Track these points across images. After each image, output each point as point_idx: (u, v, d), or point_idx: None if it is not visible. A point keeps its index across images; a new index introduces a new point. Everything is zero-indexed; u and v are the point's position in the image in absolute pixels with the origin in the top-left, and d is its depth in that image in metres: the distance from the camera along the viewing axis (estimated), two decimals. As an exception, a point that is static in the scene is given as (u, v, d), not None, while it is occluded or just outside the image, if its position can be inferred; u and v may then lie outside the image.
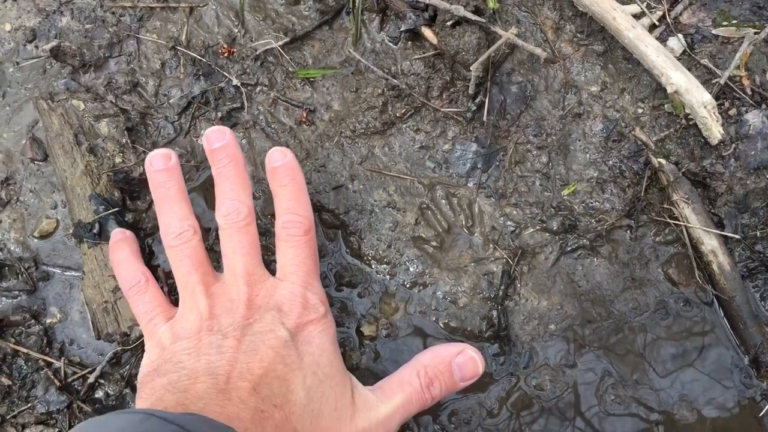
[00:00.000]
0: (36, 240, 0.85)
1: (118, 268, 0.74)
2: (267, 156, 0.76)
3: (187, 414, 0.50)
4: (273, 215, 0.76)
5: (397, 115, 0.88)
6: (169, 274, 0.82)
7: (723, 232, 0.82)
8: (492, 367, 0.81)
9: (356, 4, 0.90)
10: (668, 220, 0.84)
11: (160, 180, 0.74)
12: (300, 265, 0.68)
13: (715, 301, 0.83)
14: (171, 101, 0.89)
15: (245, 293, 0.65)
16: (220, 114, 0.89)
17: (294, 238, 0.69)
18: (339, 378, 0.64)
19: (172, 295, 0.82)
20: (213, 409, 0.54)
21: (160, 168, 0.74)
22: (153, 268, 0.83)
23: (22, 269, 0.83)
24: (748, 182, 0.82)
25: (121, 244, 0.76)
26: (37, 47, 0.91)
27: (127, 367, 0.80)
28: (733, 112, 0.84)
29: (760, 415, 0.79)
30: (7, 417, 0.78)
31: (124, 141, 0.86)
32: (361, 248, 0.85)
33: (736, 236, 0.82)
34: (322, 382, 0.61)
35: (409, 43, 0.90)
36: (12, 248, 0.84)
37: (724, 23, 0.88)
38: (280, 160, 0.73)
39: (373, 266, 0.84)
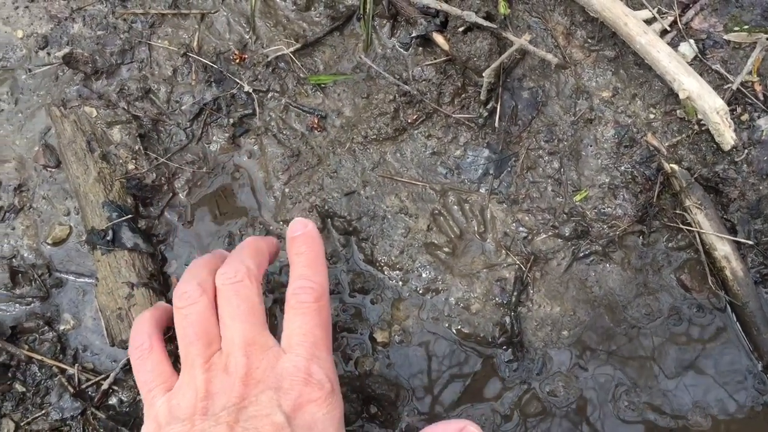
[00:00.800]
0: (49, 247, 0.85)
1: (132, 329, 0.69)
2: (289, 226, 0.71)
3: None
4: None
5: (409, 121, 0.88)
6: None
7: (736, 238, 0.82)
8: (505, 373, 0.81)
9: (367, 10, 0.90)
10: (681, 225, 0.84)
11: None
12: (306, 335, 0.61)
13: (728, 307, 0.83)
14: (183, 108, 0.89)
15: (244, 366, 0.58)
16: (231, 120, 0.89)
17: (303, 304, 0.63)
18: None
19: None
20: None
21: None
22: (165, 276, 0.84)
23: (36, 276, 0.83)
24: (760, 188, 0.82)
25: (149, 309, 0.72)
26: (49, 54, 0.91)
27: (141, 373, 0.80)
28: (745, 117, 0.84)
29: (774, 421, 0.79)
30: (21, 424, 0.78)
31: (136, 148, 0.86)
32: (373, 254, 0.85)
33: (749, 242, 0.82)
34: None
35: (420, 49, 0.90)
36: (25, 255, 0.85)
37: (736, 28, 0.88)
38: (300, 230, 0.70)
39: (386, 272, 0.84)
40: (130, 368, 0.80)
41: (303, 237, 0.69)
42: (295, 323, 0.63)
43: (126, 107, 0.88)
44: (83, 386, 0.80)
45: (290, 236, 0.70)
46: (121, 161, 0.85)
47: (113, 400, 0.80)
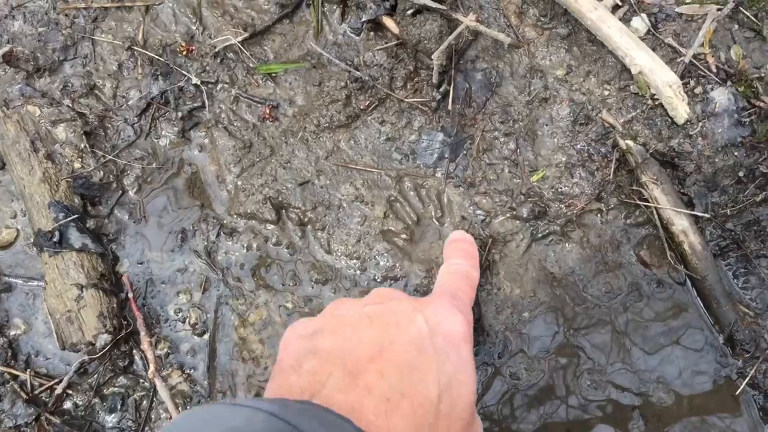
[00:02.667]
0: (-4, 251, 0.83)
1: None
2: (450, 235, 0.79)
3: (301, 403, 0.45)
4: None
5: (362, 107, 0.87)
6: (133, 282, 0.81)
7: (693, 212, 0.82)
8: (467, 358, 0.80)
9: (316, -4, 0.88)
10: (638, 201, 0.83)
11: None
12: (452, 284, 0.68)
13: (687, 281, 0.82)
14: (130, 103, 0.87)
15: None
16: (180, 114, 0.87)
17: (454, 270, 0.70)
18: (471, 385, 0.55)
19: (141, 302, 0.81)
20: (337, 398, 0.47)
21: None
22: (117, 275, 0.82)
23: (-17, 281, 0.81)
24: (716, 160, 0.82)
25: None
26: (-11, 53, 0.88)
27: (95, 376, 0.78)
28: (698, 90, 0.83)
29: (737, 393, 0.78)
30: (-26, 433, 0.76)
31: (82, 146, 0.84)
32: (330, 244, 0.83)
33: (707, 215, 0.82)
34: (452, 387, 0.53)
35: (371, 33, 0.88)
36: (-28, 260, 0.82)
37: (688, 0, 0.87)
38: (460, 235, 0.78)
39: (344, 262, 0.83)
40: (84, 372, 0.78)
41: (463, 240, 0.76)
42: (443, 279, 0.69)
43: (70, 104, 0.86)
44: (36, 392, 0.78)
45: (450, 239, 0.77)
46: (66, 160, 0.83)
47: (68, 405, 0.78)
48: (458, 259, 0.71)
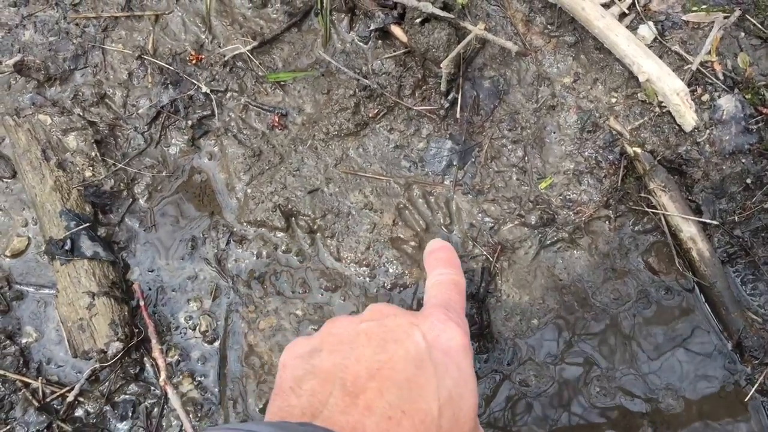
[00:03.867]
0: (8, 259, 0.83)
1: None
2: (428, 244, 0.75)
3: (302, 425, 0.45)
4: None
5: (370, 115, 0.87)
6: (143, 290, 0.81)
7: (701, 219, 0.82)
8: (476, 365, 0.80)
9: (324, 5, 0.88)
10: (646, 208, 0.83)
11: None
12: (442, 295, 0.65)
13: (696, 287, 0.82)
14: (140, 111, 0.87)
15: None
16: (190, 122, 0.87)
17: (442, 281, 0.68)
18: (472, 398, 0.55)
19: (152, 309, 0.81)
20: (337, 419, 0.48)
21: None
22: (128, 283, 0.82)
23: (-5, 289, 0.82)
24: (724, 167, 0.82)
25: None
26: (0, 63, 0.89)
27: (107, 384, 0.78)
28: (706, 97, 0.83)
29: (746, 399, 0.79)
30: (-14, 441, 0.77)
31: (93, 154, 0.84)
32: (339, 252, 0.84)
33: (715, 222, 0.82)
34: (453, 400, 0.53)
35: (380, 42, 0.89)
36: (-16, 269, 0.83)
37: (694, 8, 0.88)
38: (439, 244, 0.74)
39: (353, 269, 0.83)
40: (96, 379, 0.79)
41: (442, 248, 0.73)
42: (432, 291, 0.66)
43: (81, 113, 0.86)
44: (48, 399, 0.78)
45: (429, 250, 0.74)
46: (77, 169, 0.84)
47: (79, 412, 0.78)
48: (442, 269, 0.70)
